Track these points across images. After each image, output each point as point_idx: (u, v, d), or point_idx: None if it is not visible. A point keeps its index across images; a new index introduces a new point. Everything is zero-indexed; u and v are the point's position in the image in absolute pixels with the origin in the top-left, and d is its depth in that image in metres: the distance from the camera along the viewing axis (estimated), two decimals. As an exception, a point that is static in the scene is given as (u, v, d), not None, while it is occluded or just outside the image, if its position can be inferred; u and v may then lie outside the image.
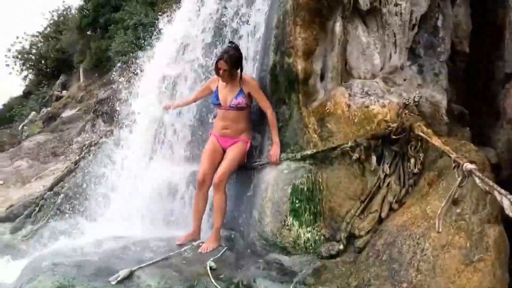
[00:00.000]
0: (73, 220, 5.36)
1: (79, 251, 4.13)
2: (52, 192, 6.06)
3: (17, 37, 18.62)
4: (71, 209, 5.61)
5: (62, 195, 5.85)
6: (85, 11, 14.13)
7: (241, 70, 3.90)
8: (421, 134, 3.40)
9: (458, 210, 2.92)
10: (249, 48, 4.41)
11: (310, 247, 3.43)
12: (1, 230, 5.84)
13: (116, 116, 7.57)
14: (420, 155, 3.42)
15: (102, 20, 13.25)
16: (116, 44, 11.21)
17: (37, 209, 5.92)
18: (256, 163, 3.91)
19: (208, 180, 3.87)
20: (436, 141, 3.31)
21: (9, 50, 18.50)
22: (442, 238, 2.80)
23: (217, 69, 3.84)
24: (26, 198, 6.68)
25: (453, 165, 2.88)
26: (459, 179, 2.75)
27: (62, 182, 6.13)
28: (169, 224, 4.32)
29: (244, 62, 4.16)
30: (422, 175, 3.41)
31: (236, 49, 3.91)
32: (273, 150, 3.80)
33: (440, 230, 2.68)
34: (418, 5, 3.90)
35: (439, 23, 3.94)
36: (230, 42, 4.05)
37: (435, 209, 2.93)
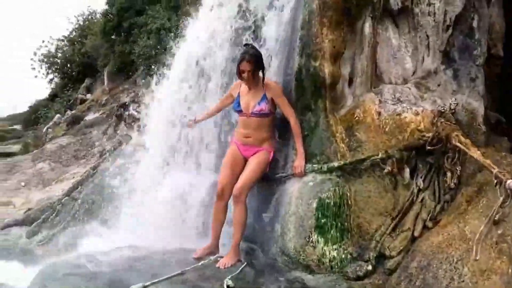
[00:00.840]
0: (89, 226, 5.27)
1: (92, 260, 4.00)
2: (69, 197, 5.98)
3: (43, 41, 18.95)
4: (87, 215, 5.53)
5: (79, 201, 5.77)
6: (109, 15, 14.23)
7: (263, 73, 3.68)
8: (458, 145, 3.15)
9: (500, 231, 2.63)
10: (272, 51, 4.17)
11: (336, 267, 3.17)
12: (18, 234, 5.84)
13: (137, 121, 7.52)
14: (458, 168, 3.17)
15: (126, 24, 13.27)
16: (139, 48, 11.18)
17: (54, 214, 5.85)
18: (279, 175, 3.67)
19: (227, 191, 3.64)
20: (475, 153, 3.07)
21: (35, 54, 18.86)
22: (482, 262, 2.53)
23: (239, 73, 3.62)
24: (45, 202, 6.64)
25: (495, 181, 2.66)
26: (501, 198, 2.53)
27: (80, 187, 6.04)
28: (187, 235, 4.11)
29: (266, 66, 3.98)
30: (459, 190, 3.15)
31: (255, 48, 3.71)
32: (298, 161, 3.56)
33: (477, 257, 2.46)
34: (453, 5, 3.66)
35: (475, 24, 3.69)
36: (245, 44, 3.84)
37: (474, 230, 2.70)
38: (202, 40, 4.61)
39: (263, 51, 4.06)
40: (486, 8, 3.74)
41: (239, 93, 3.77)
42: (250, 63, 3.55)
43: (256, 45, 4.04)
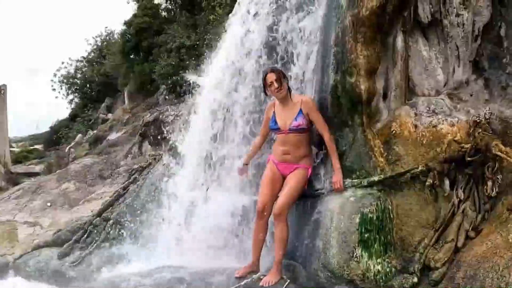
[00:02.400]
0: (123, 247, 5.28)
1: (130, 281, 4.03)
2: (100, 217, 6.00)
3: (62, 63, 19.42)
4: (120, 235, 5.54)
5: (111, 221, 5.77)
6: (128, 35, 14.48)
7: (289, 90, 3.76)
8: (499, 154, 3.15)
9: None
10: (305, 68, 4.23)
11: (381, 280, 3.16)
12: (49, 255, 5.76)
13: (164, 140, 7.58)
14: (499, 177, 3.16)
15: (145, 44, 13.50)
16: (160, 67, 11.35)
17: (85, 234, 5.86)
18: (319, 191, 3.69)
19: (268, 210, 3.67)
20: None
21: (55, 75, 19.32)
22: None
23: (265, 87, 3.74)
24: (74, 223, 6.64)
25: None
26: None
27: (111, 208, 6.06)
28: (226, 255, 4.13)
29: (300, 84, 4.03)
30: (499, 200, 3.16)
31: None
32: (336, 176, 3.59)
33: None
34: (480, 15, 3.70)
35: (502, 32, 3.70)
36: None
37: None
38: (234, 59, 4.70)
39: (295, 70, 4.15)
40: None
41: (273, 112, 3.82)
42: (274, 73, 3.67)
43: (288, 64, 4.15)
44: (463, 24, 3.73)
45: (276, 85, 3.66)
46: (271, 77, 3.67)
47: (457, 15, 3.74)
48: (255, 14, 4.73)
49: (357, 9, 3.59)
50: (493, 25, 3.72)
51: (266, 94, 3.84)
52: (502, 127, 3.46)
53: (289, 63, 4.31)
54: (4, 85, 12.92)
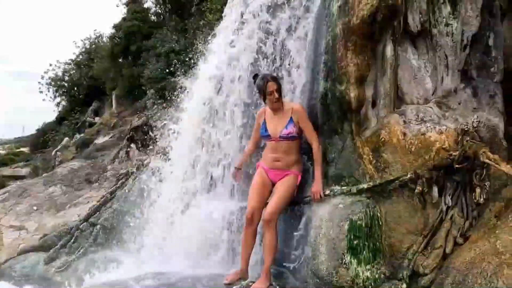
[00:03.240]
0: (110, 252, 5.26)
1: (119, 286, 3.98)
2: (87, 222, 5.94)
3: (50, 65, 19.22)
4: (107, 241, 5.50)
5: (98, 226, 5.74)
6: (116, 39, 14.39)
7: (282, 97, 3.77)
8: (487, 161, 3.20)
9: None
10: (295, 76, 4.24)
11: (370, 286, 3.19)
12: (35, 260, 5.74)
13: (152, 144, 7.52)
14: (486, 184, 3.21)
15: (133, 48, 13.43)
16: (149, 71, 11.29)
17: (72, 239, 5.80)
18: (308, 198, 3.70)
19: (257, 216, 3.67)
20: (505, 168, 3.13)
21: (43, 77, 19.07)
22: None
23: (264, 95, 3.70)
24: (61, 228, 6.58)
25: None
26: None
27: (98, 213, 6.00)
28: (214, 261, 4.11)
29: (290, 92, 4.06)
30: (486, 206, 3.21)
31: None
32: (316, 186, 3.62)
33: None
34: (469, 24, 3.75)
35: (491, 42, 3.76)
36: (254, 75, 3.92)
37: (506, 244, 2.80)
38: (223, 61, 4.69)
39: (286, 77, 4.16)
40: (501, 25, 3.81)
41: (264, 119, 3.83)
42: (275, 82, 3.67)
43: (279, 71, 4.15)
44: (452, 34, 3.78)
45: (276, 95, 3.66)
46: (272, 86, 3.66)
47: (446, 24, 3.79)
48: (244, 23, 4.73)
49: (347, 17, 3.62)
50: (481, 34, 3.77)
51: (264, 100, 3.79)
52: (490, 135, 3.52)
53: (280, 71, 4.31)
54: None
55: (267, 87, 3.66)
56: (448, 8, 3.74)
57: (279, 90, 3.68)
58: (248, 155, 4.17)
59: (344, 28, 3.65)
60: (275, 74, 3.80)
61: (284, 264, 3.80)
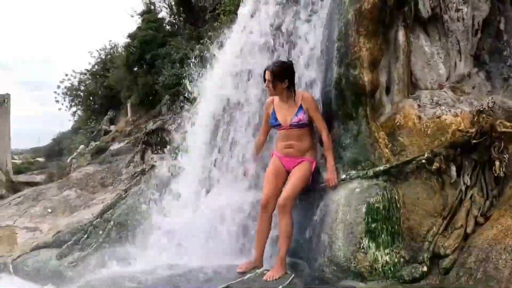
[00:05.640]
0: (123, 247, 5.21)
1: (131, 279, 3.95)
2: (101, 219, 5.92)
3: (66, 75, 19.39)
4: (121, 236, 5.45)
5: (112, 222, 5.69)
6: (131, 48, 14.54)
7: (293, 85, 3.73)
8: (505, 130, 3.16)
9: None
10: (309, 63, 4.21)
11: (389, 271, 3.09)
12: (48, 256, 5.68)
13: (167, 145, 7.55)
14: (505, 156, 3.15)
15: (148, 56, 13.55)
16: (164, 78, 11.37)
17: (85, 235, 5.77)
18: (324, 184, 3.63)
19: (271, 204, 3.61)
20: None
21: (59, 87, 19.31)
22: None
23: (264, 80, 3.73)
24: (75, 225, 6.58)
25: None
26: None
27: (112, 210, 5.99)
28: (227, 253, 4.04)
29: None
30: (506, 185, 3.16)
31: (284, 62, 3.79)
32: (329, 174, 3.58)
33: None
34: (479, 9, 3.82)
35: (502, 26, 3.84)
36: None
37: None
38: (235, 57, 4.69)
39: (300, 63, 4.13)
40: (511, 10, 3.84)
41: (273, 108, 3.80)
42: (270, 73, 3.64)
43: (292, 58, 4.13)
44: (463, 19, 3.83)
45: (270, 85, 3.66)
46: (267, 76, 3.67)
47: (457, 10, 3.83)
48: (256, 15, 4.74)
49: (359, 3, 3.64)
50: (492, 19, 3.83)
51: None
52: (505, 116, 3.45)
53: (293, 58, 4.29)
54: (8, 94, 12.97)
55: (264, 75, 3.69)
56: (458, -7, 3.75)
57: (273, 82, 3.63)
58: (260, 145, 4.11)
59: (356, 14, 3.65)
60: (282, 67, 3.69)
61: (299, 255, 3.71)
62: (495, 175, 3.11)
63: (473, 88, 3.76)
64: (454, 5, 3.81)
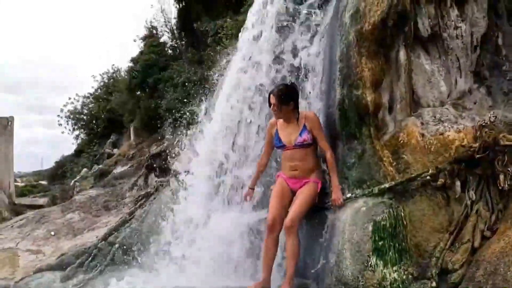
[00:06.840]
0: (129, 271, 5.17)
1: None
2: (106, 242, 5.90)
3: (69, 98, 19.64)
4: (126, 259, 5.43)
5: (117, 245, 5.68)
6: (134, 72, 14.73)
7: (297, 107, 3.79)
8: (508, 143, 3.18)
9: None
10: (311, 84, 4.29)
11: (398, 288, 3.09)
12: (51, 278, 5.61)
13: (170, 169, 7.54)
14: (509, 169, 3.16)
15: (150, 80, 13.71)
16: (166, 101, 11.47)
17: (90, 258, 5.74)
18: (329, 203, 3.66)
19: (278, 225, 3.63)
20: None
21: (62, 111, 19.50)
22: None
23: (269, 104, 3.79)
24: (78, 248, 6.54)
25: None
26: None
27: (116, 232, 5.98)
28: (236, 274, 4.04)
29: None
30: (511, 198, 3.18)
31: (288, 85, 3.85)
32: (335, 194, 3.61)
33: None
34: (477, 26, 3.88)
35: (500, 41, 3.90)
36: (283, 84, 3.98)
37: None
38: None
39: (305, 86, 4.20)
40: (508, 25, 3.93)
41: (276, 129, 3.85)
42: (275, 97, 3.70)
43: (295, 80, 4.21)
44: (462, 36, 3.89)
45: (276, 108, 3.73)
46: (272, 99, 3.73)
47: (455, 27, 3.90)
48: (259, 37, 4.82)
49: (360, 24, 3.72)
50: (490, 35, 3.89)
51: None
52: (507, 130, 3.47)
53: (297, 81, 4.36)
54: (11, 117, 13.08)
55: (269, 99, 3.77)
56: (456, 11, 3.87)
57: (279, 105, 3.69)
58: (261, 171, 4.13)
59: (357, 35, 3.73)
60: (287, 90, 3.76)
61: (307, 275, 3.71)
62: (500, 188, 3.14)
63: (475, 103, 3.80)
64: (453, 22, 3.88)
